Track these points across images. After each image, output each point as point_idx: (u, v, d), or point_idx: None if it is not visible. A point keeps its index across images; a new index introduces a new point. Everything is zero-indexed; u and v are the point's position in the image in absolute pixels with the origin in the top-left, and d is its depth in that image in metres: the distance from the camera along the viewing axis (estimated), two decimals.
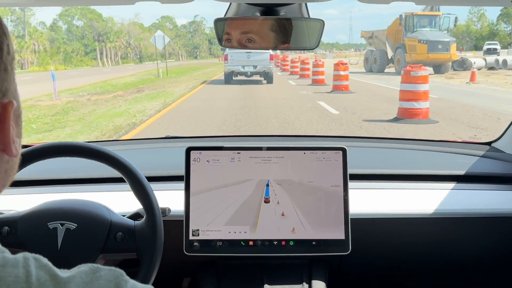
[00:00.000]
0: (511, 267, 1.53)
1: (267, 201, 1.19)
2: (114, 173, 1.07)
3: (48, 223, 1.03)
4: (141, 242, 1.06)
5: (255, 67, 16.67)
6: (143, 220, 1.07)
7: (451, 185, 1.42)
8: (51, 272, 0.52)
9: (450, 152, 1.66)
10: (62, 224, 1.03)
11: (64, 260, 1.00)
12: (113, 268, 0.59)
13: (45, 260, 0.54)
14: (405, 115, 8.03)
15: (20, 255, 0.53)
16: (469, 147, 1.71)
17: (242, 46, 1.15)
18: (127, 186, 1.06)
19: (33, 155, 1.04)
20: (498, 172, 1.52)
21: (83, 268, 0.56)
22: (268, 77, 16.87)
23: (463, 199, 1.37)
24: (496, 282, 1.59)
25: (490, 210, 1.34)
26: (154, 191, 1.07)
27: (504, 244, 1.41)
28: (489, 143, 1.73)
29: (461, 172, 1.47)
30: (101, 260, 1.04)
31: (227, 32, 1.12)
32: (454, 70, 20.48)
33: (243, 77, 17.14)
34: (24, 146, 1.06)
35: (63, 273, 0.54)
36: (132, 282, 0.59)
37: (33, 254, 0.54)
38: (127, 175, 1.05)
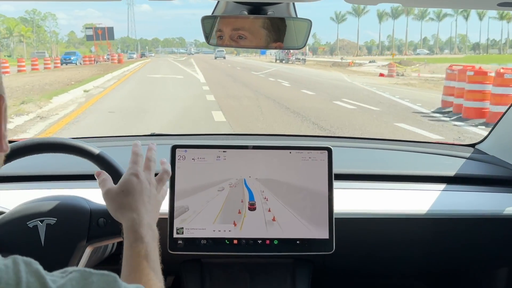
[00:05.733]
0: (493, 268, 1.55)
1: (252, 203, 1.18)
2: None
3: (27, 222, 1.01)
4: None
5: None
6: None
7: (436, 186, 1.43)
8: (41, 280, 0.51)
9: (434, 153, 1.67)
10: (41, 221, 1.01)
11: (51, 255, 0.99)
12: (105, 272, 0.57)
13: (36, 265, 0.52)
14: None
15: (10, 260, 0.51)
16: (453, 148, 1.73)
17: (233, 43, 1.14)
18: None
19: (19, 151, 1.02)
20: (481, 174, 1.54)
21: (74, 274, 0.54)
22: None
23: (448, 200, 1.38)
24: (478, 282, 1.61)
25: (474, 211, 1.35)
26: None
27: (486, 245, 1.43)
28: (473, 145, 1.75)
29: (446, 173, 1.49)
30: (89, 248, 1.03)
31: (219, 29, 1.12)
32: None
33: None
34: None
35: (53, 282, 0.52)
36: (124, 285, 0.58)
37: (24, 258, 0.52)
38: (106, 168, 1.03)
